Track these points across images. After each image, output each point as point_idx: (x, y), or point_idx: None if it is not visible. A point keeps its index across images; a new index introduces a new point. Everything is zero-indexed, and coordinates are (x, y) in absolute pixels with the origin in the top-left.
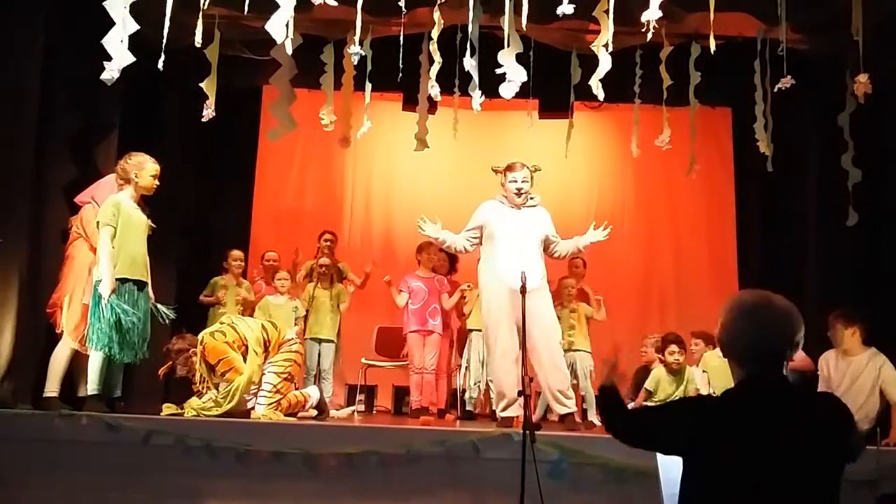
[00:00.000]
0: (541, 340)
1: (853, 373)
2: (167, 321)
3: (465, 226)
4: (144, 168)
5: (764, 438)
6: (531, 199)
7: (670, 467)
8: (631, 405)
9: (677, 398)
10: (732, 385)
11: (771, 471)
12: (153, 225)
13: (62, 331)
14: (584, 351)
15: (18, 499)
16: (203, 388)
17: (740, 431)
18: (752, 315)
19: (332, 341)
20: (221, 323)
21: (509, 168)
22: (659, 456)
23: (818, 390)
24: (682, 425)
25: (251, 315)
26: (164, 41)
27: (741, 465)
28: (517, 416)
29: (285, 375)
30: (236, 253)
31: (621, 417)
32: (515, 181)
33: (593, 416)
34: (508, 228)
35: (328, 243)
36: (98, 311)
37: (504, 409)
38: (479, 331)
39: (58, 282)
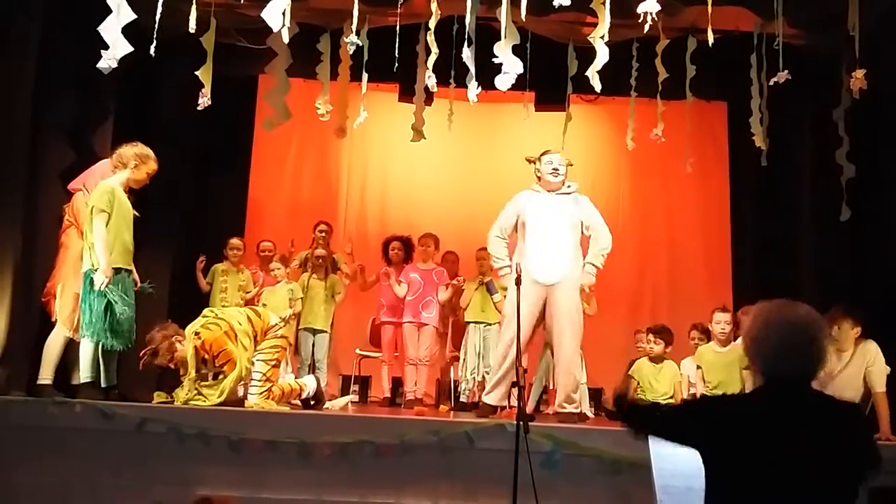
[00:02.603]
0: (554, 336)
1: (843, 365)
2: (153, 296)
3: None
4: (146, 163)
5: (778, 441)
6: (567, 186)
7: (663, 458)
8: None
9: (697, 397)
10: (727, 381)
11: (785, 473)
12: (136, 213)
13: (56, 318)
14: None
15: (13, 485)
16: (192, 383)
17: (755, 432)
18: (776, 327)
19: (325, 331)
20: (205, 317)
21: (545, 153)
22: (652, 448)
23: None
24: (698, 426)
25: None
26: (157, 27)
27: (755, 465)
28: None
29: (273, 363)
30: (235, 241)
31: (639, 425)
32: (552, 162)
33: (586, 409)
34: (539, 216)
35: (323, 234)
36: (88, 299)
37: (488, 392)
38: (476, 323)
39: (52, 270)
